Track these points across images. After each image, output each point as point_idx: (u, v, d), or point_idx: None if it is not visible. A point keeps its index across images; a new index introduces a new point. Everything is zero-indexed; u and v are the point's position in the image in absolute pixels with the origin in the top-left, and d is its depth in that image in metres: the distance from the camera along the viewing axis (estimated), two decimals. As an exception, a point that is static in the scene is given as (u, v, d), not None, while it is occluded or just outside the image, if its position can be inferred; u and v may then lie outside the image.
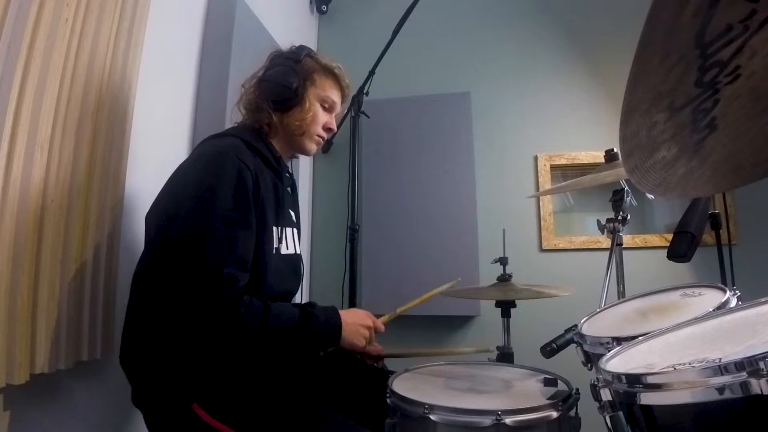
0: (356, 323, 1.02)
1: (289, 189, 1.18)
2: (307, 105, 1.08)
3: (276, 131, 1.10)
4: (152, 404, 0.92)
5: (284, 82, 1.05)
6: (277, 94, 1.06)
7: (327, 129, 1.14)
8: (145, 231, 0.99)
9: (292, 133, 1.10)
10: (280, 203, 1.05)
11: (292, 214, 1.15)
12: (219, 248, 0.86)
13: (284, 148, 1.13)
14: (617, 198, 1.28)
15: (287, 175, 1.15)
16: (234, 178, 0.91)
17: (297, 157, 1.24)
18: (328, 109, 1.14)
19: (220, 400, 0.88)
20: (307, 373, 1.11)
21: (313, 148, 1.14)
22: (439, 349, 1.09)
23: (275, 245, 1.01)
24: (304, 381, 1.09)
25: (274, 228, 1.01)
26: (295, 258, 1.11)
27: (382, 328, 1.08)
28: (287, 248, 1.05)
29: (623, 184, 1.27)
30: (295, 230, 1.13)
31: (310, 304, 0.98)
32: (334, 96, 1.13)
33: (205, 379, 0.89)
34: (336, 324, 0.97)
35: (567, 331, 1.00)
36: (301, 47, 1.13)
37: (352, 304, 1.77)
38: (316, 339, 0.95)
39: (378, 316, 1.10)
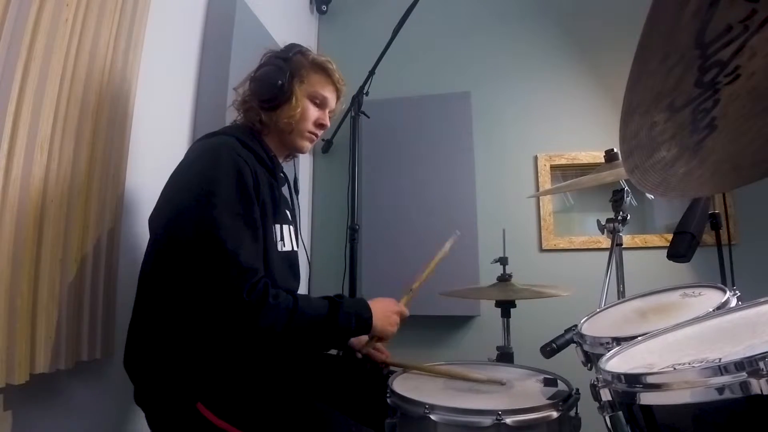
0: (386, 310, 1.02)
1: (285, 189, 1.17)
2: (295, 102, 1.06)
3: (268, 130, 1.09)
4: (156, 403, 0.92)
5: (271, 80, 1.04)
6: (265, 92, 1.05)
7: (319, 125, 1.12)
8: (150, 232, 0.98)
9: (282, 130, 1.08)
10: (276, 201, 1.04)
11: (288, 213, 1.15)
12: (232, 241, 0.85)
13: (278, 147, 1.12)
14: (617, 198, 1.28)
15: (282, 174, 1.15)
16: (233, 172, 0.90)
17: (296, 156, 1.23)
18: (320, 105, 1.12)
19: (224, 399, 0.88)
20: (309, 372, 1.11)
21: (305, 145, 1.13)
22: (448, 371, 1.08)
23: (275, 242, 1.01)
24: (306, 380, 1.09)
25: (273, 225, 1.01)
26: (293, 255, 1.11)
27: (407, 312, 1.08)
28: (284, 245, 1.05)
29: (623, 184, 1.27)
30: (291, 227, 1.13)
31: (338, 296, 0.97)
32: (326, 92, 1.11)
33: (209, 378, 0.89)
34: (366, 314, 0.96)
35: (567, 331, 1.01)
36: (292, 45, 1.12)
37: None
38: (345, 330, 0.94)
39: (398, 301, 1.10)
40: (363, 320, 0.96)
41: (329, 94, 1.13)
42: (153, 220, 0.98)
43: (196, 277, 0.85)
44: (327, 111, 1.14)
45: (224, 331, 0.86)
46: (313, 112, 1.11)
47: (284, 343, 0.89)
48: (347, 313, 0.93)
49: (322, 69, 1.11)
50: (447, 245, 1.22)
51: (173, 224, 0.90)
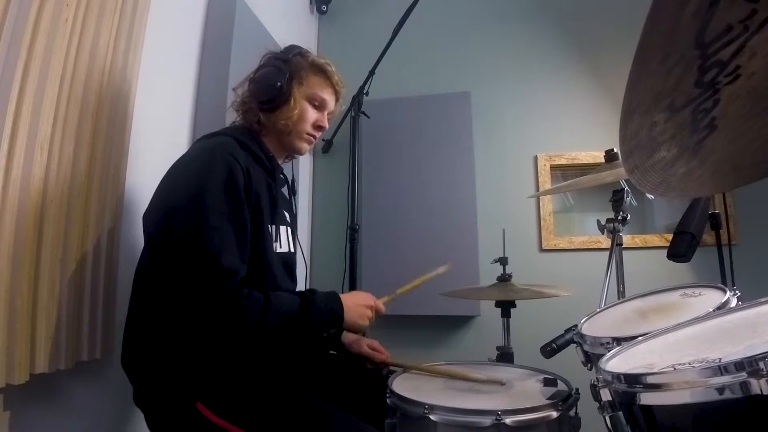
0: (358, 304, 1.02)
1: (284, 189, 1.17)
2: (293, 103, 1.06)
3: (267, 131, 1.09)
4: (155, 403, 0.92)
5: (270, 81, 1.05)
6: (264, 93, 1.05)
7: (317, 127, 1.13)
8: (144, 230, 0.99)
9: (281, 131, 1.09)
10: (274, 202, 1.04)
11: (287, 214, 1.15)
12: (216, 242, 0.86)
13: (276, 148, 1.12)
14: (617, 198, 1.28)
15: (281, 175, 1.15)
16: (224, 174, 0.91)
17: (295, 157, 1.23)
18: (318, 107, 1.12)
19: (223, 398, 0.88)
20: (308, 372, 1.11)
21: (303, 146, 1.13)
22: (448, 371, 1.08)
23: (271, 243, 1.01)
24: (305, 380, 1.09)
25: (269, 226, 1.02)
26: (289, 256, 1.11)
27: (383, 308, 1.08)
28: (281, 246, 1.06)
29: (623, 184, 1.27)
30: (289, 228, 1.13)
31: (310, 291, 0.98)
32: (324, 94, 1.12)
33: (208, 377, 0.90)
34: (337, 308, 0.98)
35: (567, 331, 1.01)
36: (292, 46, 1.13)
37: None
38: (318, 325, 0.96)
39: (378, 299, 1.10)
40: (334, 314, 0.97)
41: (328, 96, 1.13)
42: (146, 217, 0.98)
43: (180, 275, 0.87)
44: (325, 113, 1.14)
45: (203, 329, 0.88)
46: (312, 114, 1.11)
47: (260, 339, 0.91)
48: (319, 308, 0.94)
49: (322, 71, 1.11)
50: (442, 269, 1.21)
51: (165, 221, 0.91)
